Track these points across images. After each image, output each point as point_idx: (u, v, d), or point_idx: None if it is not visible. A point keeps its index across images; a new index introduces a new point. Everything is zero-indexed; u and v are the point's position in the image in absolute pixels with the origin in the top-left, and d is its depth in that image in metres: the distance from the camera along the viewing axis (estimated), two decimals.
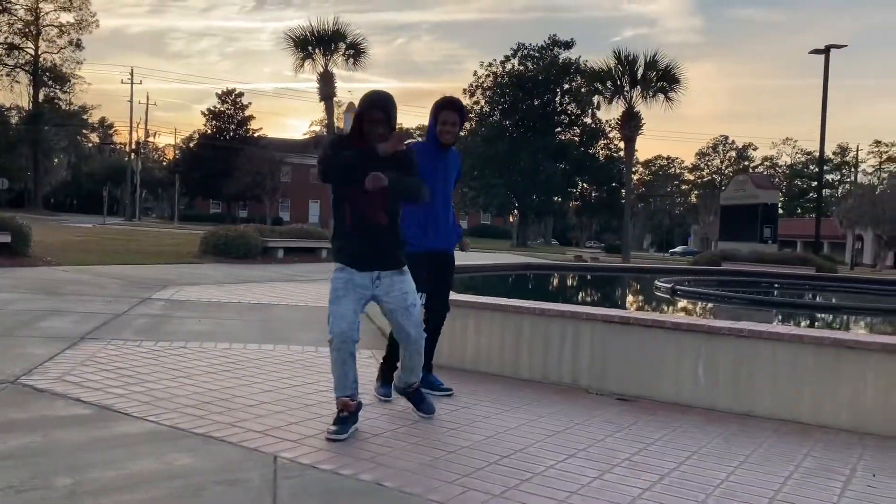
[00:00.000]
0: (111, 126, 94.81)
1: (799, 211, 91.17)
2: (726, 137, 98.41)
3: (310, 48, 23.83)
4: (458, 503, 2.86)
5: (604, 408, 4.61)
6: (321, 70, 23.66)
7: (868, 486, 3.35)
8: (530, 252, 36.88)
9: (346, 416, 3.72)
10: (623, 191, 46.35)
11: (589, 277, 12.61)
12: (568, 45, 52.12)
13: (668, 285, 8.64)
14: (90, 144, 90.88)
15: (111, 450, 3.28)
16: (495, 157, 47.35)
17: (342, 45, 23.74)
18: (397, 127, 3.86)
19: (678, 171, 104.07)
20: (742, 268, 15.77)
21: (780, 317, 7.11)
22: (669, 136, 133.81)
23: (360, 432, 3.75)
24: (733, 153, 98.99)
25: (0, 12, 60.15)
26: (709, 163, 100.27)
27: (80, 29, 63.32)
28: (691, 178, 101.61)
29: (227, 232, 15.97)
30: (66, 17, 62.72)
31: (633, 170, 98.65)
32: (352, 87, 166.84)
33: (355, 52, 24.10)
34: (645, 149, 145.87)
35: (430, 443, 3.65)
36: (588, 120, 49.69)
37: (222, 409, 4.03)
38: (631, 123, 25.21)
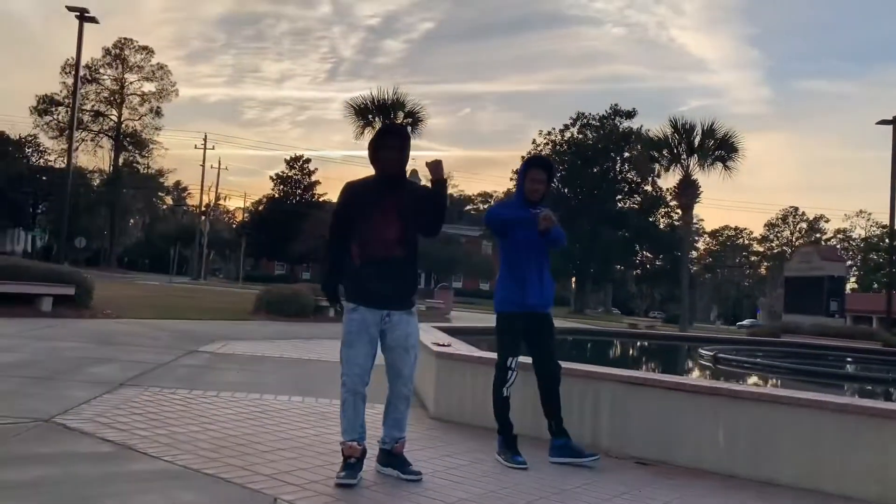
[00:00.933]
0: (185, 189, 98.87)
1: (875, 286, 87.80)
2: (796, 209, 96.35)
3: (370, 116, 24.70)
4: None
5: (621, 471, 4.55)
6: None
7: None
8: (586, 319, 36.43)
9: (354, 462, 3.76)
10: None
11: (638, 344, 12.43)
12: (629, 115, 52.46)
13: (711, 353, 8.47)
14: (164, 206, 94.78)
15: (122, 484, 3.42)
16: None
17: (401, 114, 24.55)
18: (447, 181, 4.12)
19: (747, 241, 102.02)
20: (800, 340, 15.30)
21: (820, 387, 6.89)
22: (737, 206, 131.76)
23: (373, 483, 3.80)
24: (804, 225, 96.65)
25: (90, 82, 64.05)
26: (778, 234, 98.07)
27: (161, 98, 66.84)
28: (760, 249, 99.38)
29: (280, 290, 16.40)
30: (148, 87, 66.40)
31: (700, 239, 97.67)
32: (415, 154, 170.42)
33: (413, 121, 24.85)
34: (713, 219, 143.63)
35: (430, 494, 3.67)
36: (648, 188, 49.55)
37: (237, 454, 4.15)
38: (688, 192, 25.04)
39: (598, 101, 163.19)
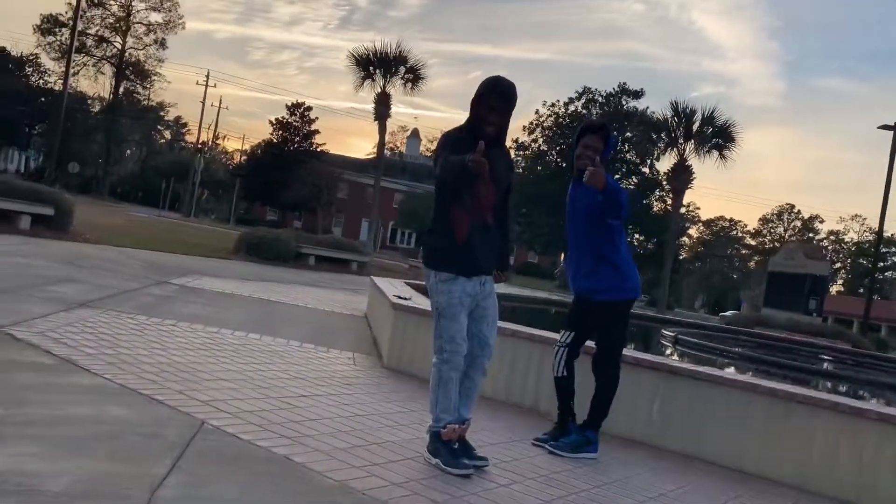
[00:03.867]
0: (185, 125, 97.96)
1: (860, 290, 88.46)
2: (792, 206, 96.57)
3: (371, 68, 24.50)
4: (360, 483, 2.98)
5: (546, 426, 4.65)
6: (379, 91, 24.35)
7: None
8: (570, 293, 36.61)
9: (458, 447, 3.45)
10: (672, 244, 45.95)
11: None
12: (637, 95, 52.12)
13: (672, 334, 8.59)
14: (162, 140, 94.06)
15: (55, 394, 3.50)
16: (546, 196, 47.48)
17: (402, 69, 24.37)
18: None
19: (740, 234, 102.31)
20: (768, 333, 15.47)
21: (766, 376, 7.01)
22: (736, 198, 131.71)
23: (304, 419, 3.88)
24: (798, 223, 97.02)
25: (96, 6, 63.11)
26: (772, 230, 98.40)
27: (167, 29, 65.99)
28: (753, 243, 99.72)
29: (262, 233, 16.42)
30: (156, 17, 65.52)
31: (694, 227, 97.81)
32: (418, 113, 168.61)
33: (414, 77, 24.68)
34: (710, 208, 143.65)
35: (356, 434, 3.75)
36: (646, 170, 49.53)
37: (179, 379, 4.23)
38: (682, 176, 25.07)
39: (609, 76, 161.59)
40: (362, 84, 24.93)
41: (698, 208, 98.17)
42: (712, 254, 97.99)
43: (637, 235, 52.83)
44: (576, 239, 4.29)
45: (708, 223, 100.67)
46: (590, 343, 4.34)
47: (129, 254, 12.09)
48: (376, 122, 24.95)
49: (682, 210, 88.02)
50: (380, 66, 24.43)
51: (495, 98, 3.48)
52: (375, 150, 32.68)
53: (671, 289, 74.28)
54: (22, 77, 64.69)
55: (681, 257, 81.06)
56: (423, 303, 6.31)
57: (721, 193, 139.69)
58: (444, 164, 3.39)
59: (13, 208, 11.58)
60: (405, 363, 5.89)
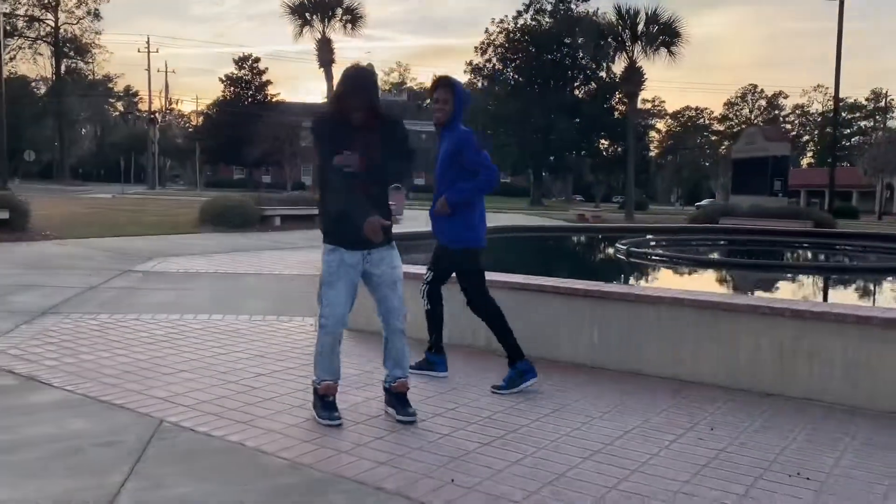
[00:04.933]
0: (136, 94, 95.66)
1: (829, 160, 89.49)
2: (755, 86, 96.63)
3: (307, 15, 23.97)
4: (310, 458, 3.23)
5: (501, 367, 4.93)
6: (319, 37, 23.90)
7: (698, 439, 3.65)
8: (541, 211, 36.98)
9: (332, 400, 3.77)
10: (639, 146, 46.31)
11: (573, 239, 12.84)
12: None
13: (625, 247, 8.88)
14: (116, 114, 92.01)
15: (16, 416, 3.70)
16: (508, 115, 47.24)
17: (339, 11, 23.87)
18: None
19: (707, 122, 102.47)
20: (738, 223, 15.87)
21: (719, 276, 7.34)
22: (700, 86, 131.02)
23: (259, 399, 4.12)
24: (763, 102, 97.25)
25: None
26: (737, 113, 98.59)
27: None
28: (721, 128, 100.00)
29: (224, 202, 16.44)
30: None
31: (661, 122, 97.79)
32: (370, 46, 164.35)
33: (352, 18, 24.21)
34: (675, 101, 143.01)
35: (307, 407, 4.00)
36: (603, 74, 49.18)
37: (139, 378, 4.44)
38: (633, 79, 25.05)
39: None
40: (301, 32, 24.46)
41: (663, 101, 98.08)
42: (682, 147, 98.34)
43: (603, 142, 52.87)
44: (438, 188, 4.66)
45: (675, 115, 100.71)
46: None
47: (91, 245, 12.15)
48: (321, 69, 24.58)
49: (648, 106, 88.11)
50: (316, 10, 23.91)
51: (357, 94, 3.66)
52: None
53: (646, 187, 74.85)
54: None
55: (650, 154, 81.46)
56: None
57: (684, 83, 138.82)
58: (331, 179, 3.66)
59: None
60: (363, 321, 6.10)
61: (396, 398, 3.85)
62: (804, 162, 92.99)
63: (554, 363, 5.08)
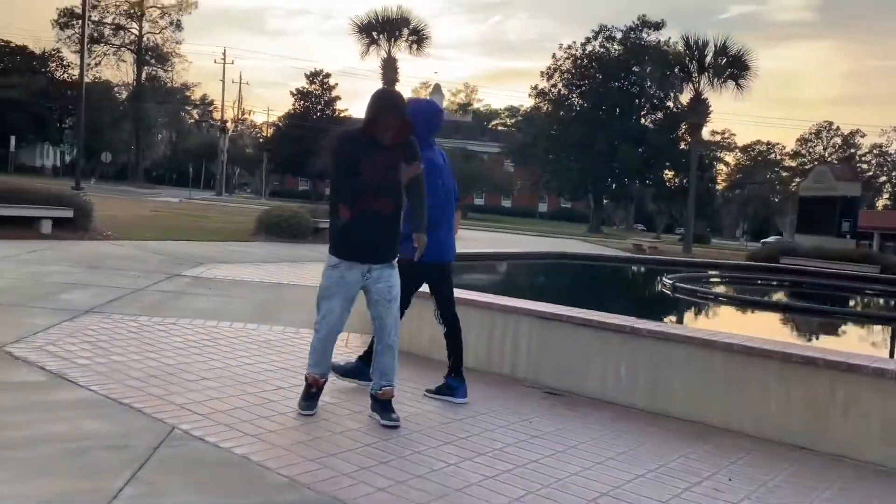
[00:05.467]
0: (211, 103, 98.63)
1: None
2: (830, 123, 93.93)
3: (374, 34, 24.34)
4: (310, 477, 3.22)
5: (531, 400, 4.84)
6: (385, 56, 24.24)
7: (714, 489, 3.50)
8: (599, 238, 36.51)
9: (315, 392, 4.12)
10: (705, 178, 45.46)
11: (620, 270, 12.60)
12: (658, 26, 50.69)
13: (671, 282, 8.67)
14: (192, 121, 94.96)
15: (35, 413, 3.79)
16: (571, 140, 46.98)
17: (405, 32, 24.16)
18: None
19: (779, 157, 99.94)
20: (799, 264, 15.33)
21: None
22: (773, 121, 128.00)
23: (274, 413, 4.14)
24: (838, 140, 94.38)
25: None
26: (811, 150, 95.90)
27: (180, 10, 66.33)
28: (792, 164, 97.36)
29: (280, 212, 16.73)
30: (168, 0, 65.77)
31: (731, 154, 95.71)
32: (440, 66, 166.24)
33: (418, 39, 24.48)
34: (751, 133, 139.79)
35: (319, 424, 3.99)
36: (671, 104, 48.51)
37: (162, 383, 4.50)
38: (698, 110, 24.60)
39: (632, 6, 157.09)
40: (367, 50, 24.86)
41: (734, 134, 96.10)
42: (751, 181, 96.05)
43: (667, 172, 52.04)
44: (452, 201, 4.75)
45: (744, 149, 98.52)
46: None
47: (148, 247, 12.50)
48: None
49: (717, 138, 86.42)
50: (383, 30, 24.29)
51: (390, 116, 3.86)
52: None
53: (711, 220, 73.26)
54: (47, 73, 65.75)
55: (716, 187, 79.73)
56: None
57: (758, 116, 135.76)
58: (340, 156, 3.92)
59: (31, 215, 12.02)
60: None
61: (381, 405, 4.06)
62: (880, 203, 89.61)
63: (580, 397, 4.97)
